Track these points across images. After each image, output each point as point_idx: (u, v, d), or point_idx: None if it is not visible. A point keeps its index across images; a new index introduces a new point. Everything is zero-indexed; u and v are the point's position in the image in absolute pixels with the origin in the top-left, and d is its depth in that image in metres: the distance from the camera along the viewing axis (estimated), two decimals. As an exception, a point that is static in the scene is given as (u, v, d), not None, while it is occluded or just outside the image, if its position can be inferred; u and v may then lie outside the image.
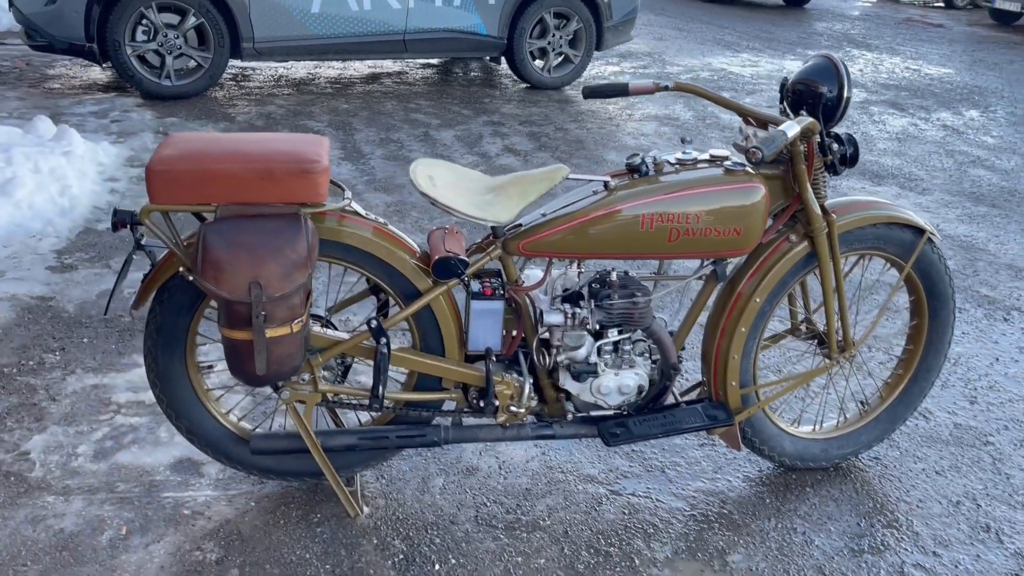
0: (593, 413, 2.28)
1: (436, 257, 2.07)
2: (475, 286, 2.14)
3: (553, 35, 6.89)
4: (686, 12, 12.16)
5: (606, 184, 2.14)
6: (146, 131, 5.25)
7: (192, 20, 5.81)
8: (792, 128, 1.92)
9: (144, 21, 5.78)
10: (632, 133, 5.89)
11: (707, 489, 2.42)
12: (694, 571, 2.12)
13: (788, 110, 2.20)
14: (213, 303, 2.14)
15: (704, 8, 12.72)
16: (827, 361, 2.38)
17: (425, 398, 2.22)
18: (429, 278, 2.13)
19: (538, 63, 6.96)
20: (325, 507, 2.27)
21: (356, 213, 2.10)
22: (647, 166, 2.16)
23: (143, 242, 2.04)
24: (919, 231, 2.31)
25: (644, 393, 2.27)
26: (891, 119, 6.74)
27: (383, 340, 2.10)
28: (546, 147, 5.46)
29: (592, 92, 2.26)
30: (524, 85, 7.14)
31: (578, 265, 2.22)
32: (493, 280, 2.17)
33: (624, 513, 2.31)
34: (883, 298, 3.56)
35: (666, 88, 2.22)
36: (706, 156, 2.22)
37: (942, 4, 15.34)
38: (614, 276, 2.19)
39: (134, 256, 2.00)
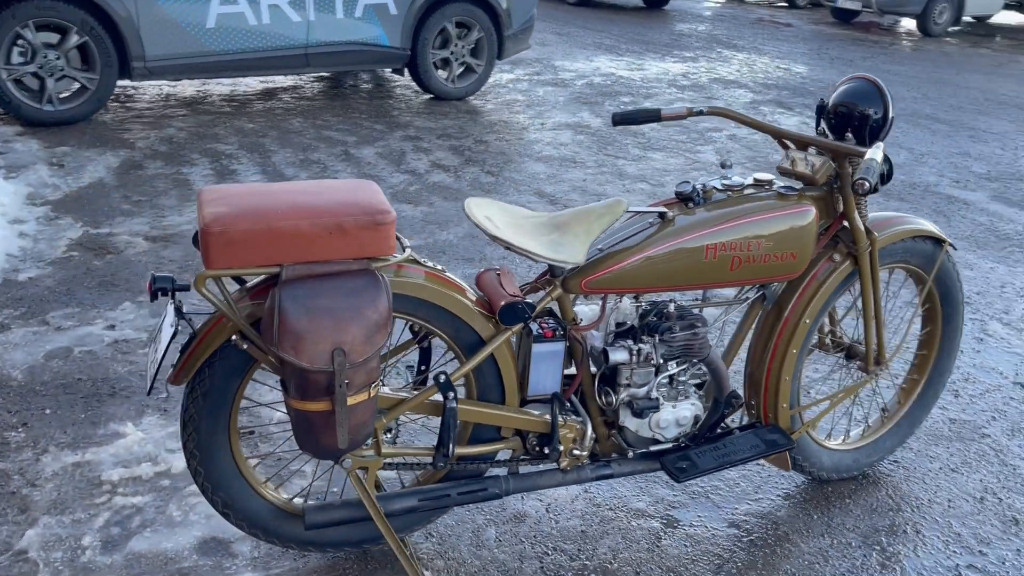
0: (652, 448, 2.22)
1: (502, 303, 1.96)
2: (534, 328, 2.05)
3: (456, 45, 6.79)
4: (557, 16, 12.31)
5: (662, 215, 2.09)
6: (38, 163, 4.77)
7: (75, 39, 5.33)
8: (878, 153, 1.93)
9: (20, 41, 5.25)
10: (551, 143, 5.88)
11: (755, 512, 2.42)
12: (773, 599, 2.11)
13: (828, 131, 2.22)
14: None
15: (573, 12, 12.92)
16: (864, 375, 2.43)
17: (485, 450, 2.10)
18: (492, 324, 2.01)
19: (441, 73, 6.83)
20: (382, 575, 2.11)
21: (415, 261, 1.96)
22: (698, 194, 2.13)
23: (184, 310, 1.82)
24: (939, 242, 2.39)
25: (700, 423, 2.24)
26: (783, 118, 7.05)
27: (451, 395, 1.96)
28: (473, 161, 5.36)
29: (623, 119, 2.21)
30: (428, 96, 7.00)
31: (635, 299, 2.16)
32: (550, 321, 2.08)
33: (686, 546, 2.27)
34: (895, 307, 3.69)
35: (700, 113, 2.20)
36: (751, 181, 2.21)
37: (785, 4, 16.25)
38: (672, 308, 2.14)
39: (179, 329, 1.78)
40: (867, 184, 1.85)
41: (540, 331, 2.03)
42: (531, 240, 1.97)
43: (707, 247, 2.05)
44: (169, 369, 2.48)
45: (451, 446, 1.98)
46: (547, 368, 2.06)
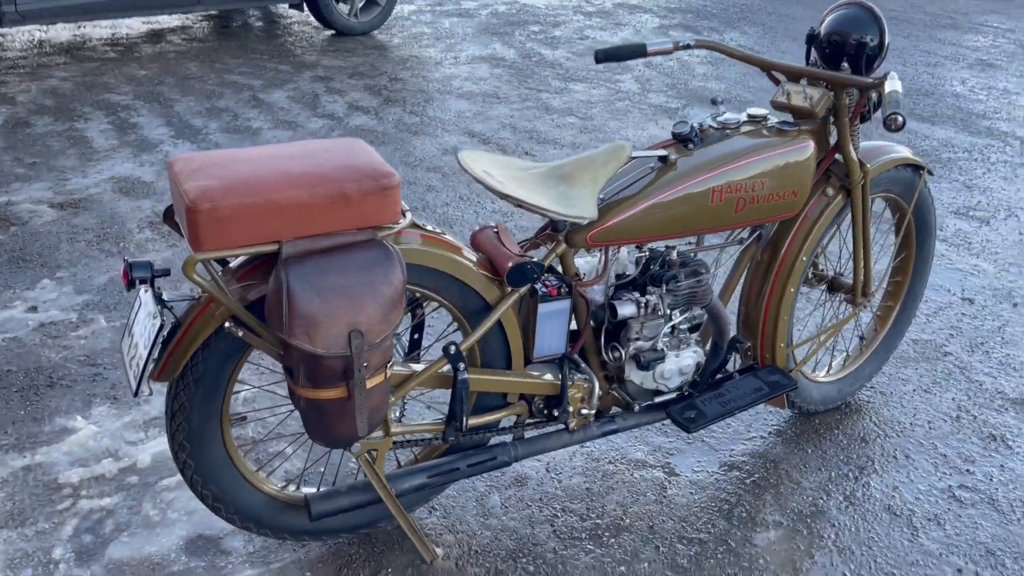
0: (657, 400, 2.16)
1: (510, 264, 1.83)
2: (538, 287, 1.93)
3: (356, -24, 6.41)
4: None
5: (663, 159, 1.99)
6: (-93, 126, 4.26)
7: (-69, -18, 4.74)
8: (897, 83, 1.87)
9: None
10: (469, 78, 5.66)
11: (751, 451, 2.41)
12: (786, 539, 2.11)
13: (821, 61, 2.15)
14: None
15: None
16: (852, 307, 2.43)
17: (492, 419, 1.99)
18: (498, 287, 1.88)
19: (343, 7, 6.46)
20: (392, 558, 1.99)
21: (415, 225, 1.80)
22: (696, 134, 2.03)
23: (165, 298, 1.62)
24: (917, 168, 2.39)
25: (701, 370, 2.19)
26: (693, 43, 7.01)
27: (461, 365, 1.83)
28: (393, 101, 5.11)
29: (607, 56, 2.09)
30: (329, 32, 6.62)
31: (639, 249, 2.06)
32: (552, 278, 1.96)
33: (692, 494, 2.24)
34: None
35: (687, 47, 2.09)
36: (746, 118, 2.13)
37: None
38: (674, 255, 2.06)
39: (165, 321, 1.57)
40: (900, 119, 1.79)
41: (545, 290, 1.92)
42: (539, 195, 1.83)
43: (713, 190, 1.97)
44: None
45: (463, 419, 1.87)
46: (554, 328, 1.96)
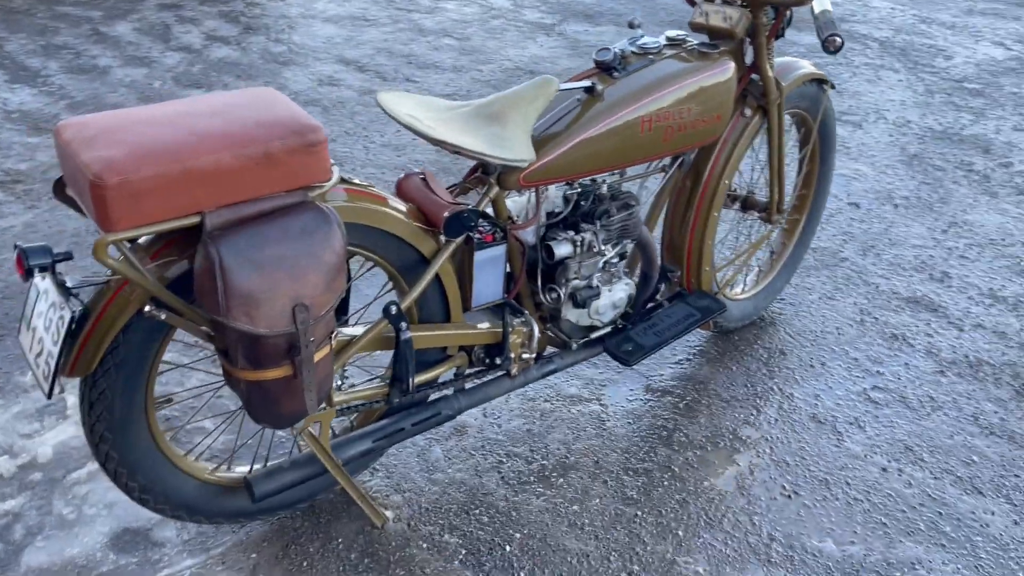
0: (593, 336, 2.14)
1: (446, 214, 1.72)
2: (473, 234, 1.83)
3: None
4: None
5: (590, 89, 1.91)
6: None
7: None
8: (827, 2, 1.83)
9: None
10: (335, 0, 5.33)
11: (680, 375, 2.44)
12: (726, 459, 2.16)
13: None
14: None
15: None
16: (768, 225, 2.45)
17: (434, 374, 1.91)
18: (433, 239, 1.77)
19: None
20: (340, 527, 1.91)
21: (343, 180, 1.65)
22: (619, 62, 1.95)
23: (69, 285, 1.43)
24: (821, 83, 2.41)
25: (632, 301, 2.17)
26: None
27: (403, 325, 1.73)
28: (254, 29, 4.75)
29: None
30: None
31: (569, 186, 1.99)
32: (485, 223, 1.87)
33: (630, 424, 2.25)
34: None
35: None
36: (665, 41, 2.06)
37: None
38: (605, 189, 2.00)
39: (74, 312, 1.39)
40: (839, 40, 1.77)
41: (479, 236, 1.83)
42: (473, 138, 1.72)
43: (642, 120, 1.91)
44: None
45: (410, 379, 1.77)
46: (491, 275, 1.88)
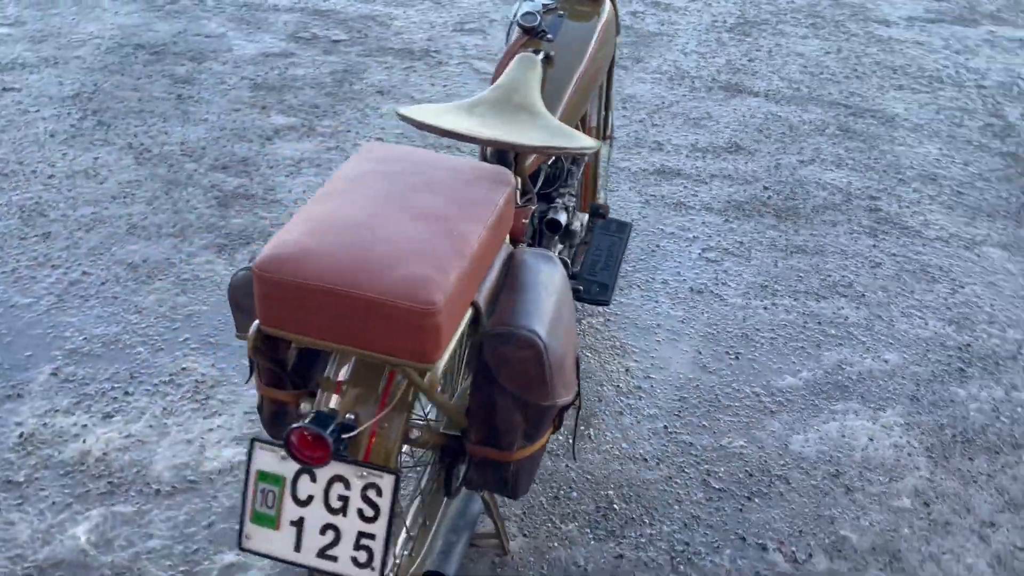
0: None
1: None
2: None
3: None
4: None
5: (548, 59, 1.91)
6: None
7: None
8: None
9: None
10: None
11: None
12: (666, 341, 2.46)
13: None
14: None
15: None
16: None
17: None
18: None
19: None
20: (474, 569, 1.81)
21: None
22: (542, 26, 1.97)
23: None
24: None
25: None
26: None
27: None
28: None
29: None
30: None
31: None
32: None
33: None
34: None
35: None
36: None
37: None
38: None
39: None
40: None
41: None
42: (527, 133, 1.65)
43: (586, 72, 1.99)
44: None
45: None
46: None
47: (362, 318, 1.08)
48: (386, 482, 1.13)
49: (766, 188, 3.27)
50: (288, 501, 1.15)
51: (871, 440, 2.23)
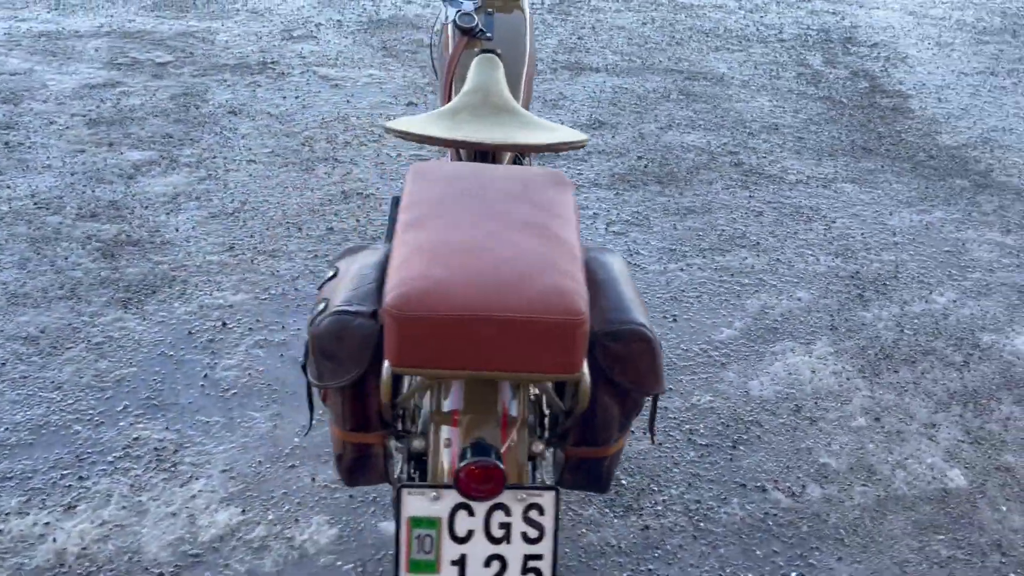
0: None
1: None
2: None
3: None
4: None
5: (499, 56, 1.91)
6: None
7: None
8: None
9: None
10: None
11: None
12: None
13: None
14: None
15: None
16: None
17: None
18: None
19: None
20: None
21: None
22: (480, 25, 1.97)
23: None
24: None
25: None
26: None
27: None
28: None
29: None
30: None
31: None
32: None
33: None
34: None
35: None
36: None
37: None
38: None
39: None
40: None
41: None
42: (517, 134, 1.65)
43: (529, 66, 2.01)
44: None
45: None
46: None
47: (509, 339, 1.05)
48: (547, 499, 1.11)
49: (640, 158, 3.43)
50: (447, 541, 1.10)
51: (814, 372, 2.44)
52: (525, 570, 1.12)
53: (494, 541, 1.11)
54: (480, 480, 1.06)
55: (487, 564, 1.12)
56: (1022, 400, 2.39)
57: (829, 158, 3.55)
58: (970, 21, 5.22)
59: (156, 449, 2.04)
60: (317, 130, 3.44)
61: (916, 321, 2.67)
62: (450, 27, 2.04)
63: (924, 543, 1.96)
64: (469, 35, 1.98)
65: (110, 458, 2.01)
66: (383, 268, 1.29)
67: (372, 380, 1.22)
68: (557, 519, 1.12)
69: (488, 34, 1.99)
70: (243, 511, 1.91)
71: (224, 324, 2.42)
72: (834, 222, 3.13)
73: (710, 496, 2.04)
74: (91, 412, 2.13)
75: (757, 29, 4.82)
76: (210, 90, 3.69)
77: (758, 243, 2.97)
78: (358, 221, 2.89)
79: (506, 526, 1.11)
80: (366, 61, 4.07)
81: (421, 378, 1.10)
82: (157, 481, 1.96)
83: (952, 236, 3.10)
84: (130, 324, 2.40)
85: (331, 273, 1.31)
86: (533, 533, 1.11)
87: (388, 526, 1.90)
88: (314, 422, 1.57)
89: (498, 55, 1.95)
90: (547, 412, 1.36)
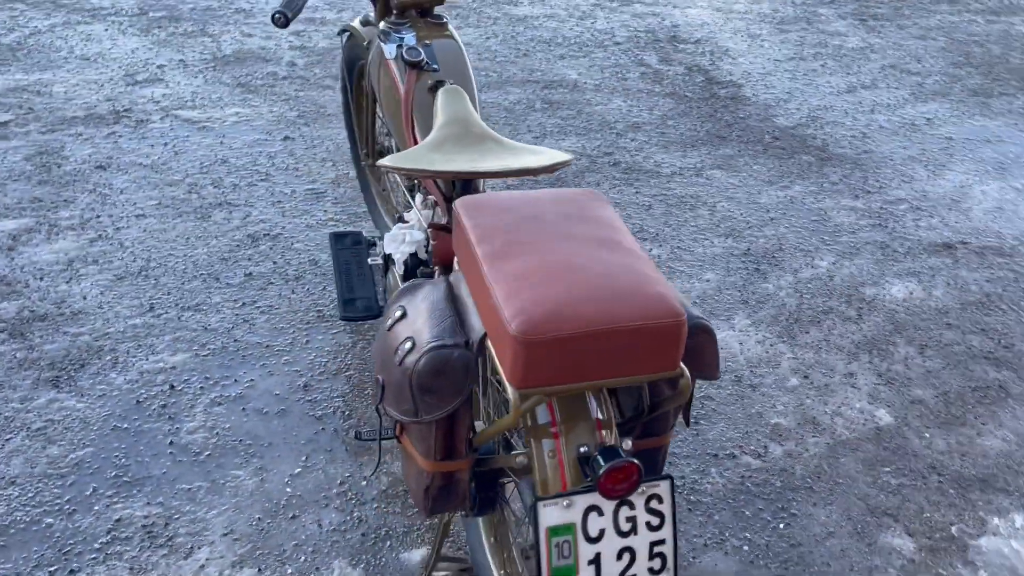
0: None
1: None
2: None
3: None
4: None
5: (446, 85, 1.97)
6: None
7: None
8: None
9: None
10: None
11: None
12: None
13: None
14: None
15: None
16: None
17: None
18: None
19: None
20: None
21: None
22: (427, 59, 2.02)
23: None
24: None
25: None
26: None
27: None
28: None
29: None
30: None
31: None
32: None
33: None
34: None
35: None
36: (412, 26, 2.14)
37: None
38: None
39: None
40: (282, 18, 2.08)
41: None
42: (507, 160, 1.72)
43: (476, 90, 2.09)
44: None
45: None
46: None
47: (626, 347, 1.14)
48: (664, 488, 1.21)
49: (526, 167, 3.57)
50: (582, 543, 1.17)
51: (741, 344, 2.67)
52: (651, 555, 1.21)
53: (623, 535, 1.19)
54: (620, 480, 1.14)
55: (619, 557, 1.20)
56: (912, 340, 2.73)
57: (692, 148, 3.85)
58: (768, 13, 5.77)
59: (144, 527, 1.94)
60: (199, 175, 3.32)
61: (810, 285, 2.97)
62: (393, 63, 2.07)
63: (875, 477, 2.22)
64: (416, 68, 2.02)
65: (96, 545, 1.89)
66: (453, 301, 1.34)
67: (463, 408, 1.27)
68: (674, 505, 1.22)
69: (435, 66, 2.04)
70: (259, 570, 1.86)
71: (172, 387, 2.31)
72: (715, 207, 3.40)
73: (691, 471, 2.21)
74: (58, 502, 1.98)
75: (592, 35, 5.10)
76: (66, 146, 3.45)
77: (657, 234, 3.19)
78: (275, 263, 2.84)
79: (631, 519, 1.19)
80: (225, 100, 3.95)
81: (536, 397, 1.16)
82: (157, 559, 1.87)
83: (814, 207, 3.46)
84: (69, 403, 2.24)
85: (399, 313, 1.34)
86: (655, 521, 1.20)
87: (409, 556, 1.91)
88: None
89: (455, 85, 2.01)
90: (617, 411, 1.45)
